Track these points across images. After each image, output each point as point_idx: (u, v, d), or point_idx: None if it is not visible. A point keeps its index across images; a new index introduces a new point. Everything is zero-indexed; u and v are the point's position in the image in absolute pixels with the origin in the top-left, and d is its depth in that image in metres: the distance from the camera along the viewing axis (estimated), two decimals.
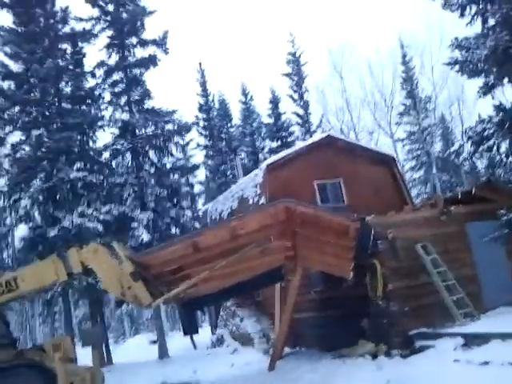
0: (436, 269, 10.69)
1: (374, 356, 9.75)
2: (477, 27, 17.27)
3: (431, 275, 10.64)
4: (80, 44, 21.90)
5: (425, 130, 35.94)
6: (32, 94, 20.33)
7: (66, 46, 21.82)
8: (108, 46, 22.25)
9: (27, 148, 20.07)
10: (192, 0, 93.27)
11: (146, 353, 22.11)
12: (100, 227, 18.09)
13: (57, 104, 20.78)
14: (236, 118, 37.93)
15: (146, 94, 22.06)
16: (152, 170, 21.71)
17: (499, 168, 18.76)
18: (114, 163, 21.79)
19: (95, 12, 21.92)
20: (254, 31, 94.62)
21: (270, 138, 35.06)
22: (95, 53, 22.35)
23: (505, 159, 16.85)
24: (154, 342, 24.31)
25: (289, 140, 33.76)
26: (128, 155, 21.81)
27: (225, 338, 17.63)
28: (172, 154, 22.53)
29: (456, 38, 17.30)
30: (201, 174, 34.40)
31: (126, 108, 21.91)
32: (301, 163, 17.89)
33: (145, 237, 19.02)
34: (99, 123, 21.57)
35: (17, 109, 20.43)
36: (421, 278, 10.73)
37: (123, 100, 22.09)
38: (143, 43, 22.28)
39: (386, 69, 36.16)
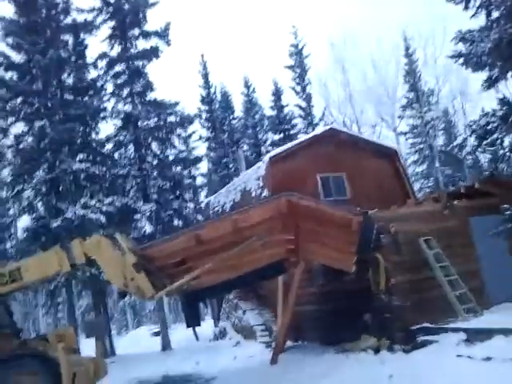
0: (439, 263, 10.69)
1: (377, 350, 9.74)
2: (481, 20, 17.17)
3: (434, 270, 10.64)
4: (82, 35, 21.83)
5: (428, 124, 35.76)
6: (34, 85, 20.29)
7: (68, 37, 21.74)
8: (110, 38, 22.22)
9: (30, 139, 20.07)
10: None
11: (149, 344, 22.24)
12: (103, 219, 18.13)
13: (59, 95, 20.75)
14: (238, 110, 37.82)
15: (149, 86, 22.05)
16: (155, 162, 21.75)
17: (502, 162, 18.71)
18: (116, 155, 21.83)
19: (97, 3, 21.94)
20: (256, 23, 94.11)
21: (273, 130, 34.96)
22: (97, 44, 22.33)
23: (508, 153, 16.82)
24: (157, 333, 24.43)
25: (291, 133, 33.65)
26: (131, 147, 21.85)
27: (227, 331, 17.70)
28: (174, 146, 22.58)
29: (460, 31, 17.20)
30: (203, 167, 34.36)
31: (129, 100, 21.91)
32: (304, 156, 17.87)
33: (147, 228, 19.10)
34: (102, 115, 21.56)
35: (19, 100, 20.41)
36: (423, 273, 10.72)
37: (125, 92, 22.09)
38: (145, 35, 22.24)
39: (389, 61, 35.96)
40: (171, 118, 22.04)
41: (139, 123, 21.65)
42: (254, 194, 17.56)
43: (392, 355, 9.36)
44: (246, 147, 34.82)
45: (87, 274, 17.41)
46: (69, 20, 21.65)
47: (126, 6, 22.18)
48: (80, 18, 21.73)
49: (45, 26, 20.88)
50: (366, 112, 36.26)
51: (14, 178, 19.49)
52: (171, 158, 22.37)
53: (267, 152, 28.64)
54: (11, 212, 19.48)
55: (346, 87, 36.03)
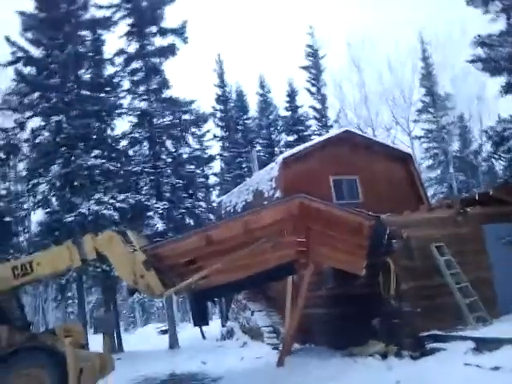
0: (450, 270, 10.57)
1: (384, 356, 9.71)
2: (500, 24, 16.99)
3: (445, 276, 10.53)
4: (100, 31, 21.98)
5: (443, 129, 35.47)
6: (52, 80, 20.47)
7: (86, 33, 21.91)
8: (128, 34, 22.36)
9: (46, 134, 20.26)
10: None
11: (157, 342, 22.36)
12: (116, 215, 18.22)
13: (76, 90, 20.91)
14: (253, 110, 37.85)
15: (165, 83, 22.15)
16: (169, 160, 21.84)
17: None
18: (131, 152, 21.95)
19: (116, 0, 22.00)
20: (273, 23, 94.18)
21: (287, 131, 34.93)
22: (115, 40, 22.48)
23: None
24: (165, 331, 24.54)
25: (305, 134, 33.59)
26: (145, 144, 21.95)
27: (235, 331, 17.71)
28: (189, 145, 22.65)
29: (479, 35, 17.05)
30: (216, 166, 34.46)
31: (145, 97, 22.04)
32: (317, 158, 17.82)
33: (159, 226, 19.16)
34: (117, 111, 21.70)
35: (37, 94, 20.61)
36: (434, 279, 10.61)
37: (142, 88, 22.22)
38: (163, 32, 22.34)
39: (406, 64, 35.68)
40: (186, 116, 22.13)
41: (154, 120, 21.78)
42: (266, 195, 17.55)
43: (400, 361, 9.32)
44: (259, 147, 34.82)
45: (98, 270, 17.54)
46: (88, 16, 21.87)
47: (145, 3, 22.33)
48: (99, 14, 21.95)
49: (64, 22, 21.07)
50: (382, 115, 36.07)
51: (29, 172, 19.69)
52: (185, 156, 22.43)
53: (280, 153, 28.64)
54: (26, 206, 19.64)
55: (362, 89, 35.87)
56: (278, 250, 10.70)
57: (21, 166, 20.39)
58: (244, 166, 34.29)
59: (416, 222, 11.27)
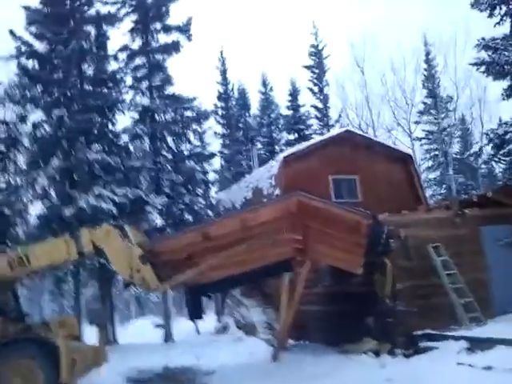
0: (446, 271, 10.64)
1: (378, 354, 9.75)
2: (505, 28, 17.01)
3: (441, 277, 10.59)
4: (104, 27, 21.95)
5: (444, 130, 35.51)
6: (55, 75, 20.48)
7: (91, 29, 21.89)
8: (132, 31, 22.33)
9: (47, 127, 20.28)
10: None
11: (151, 336, 22.33)
12: (115, 209, 18.23)
13: (79, 85, 20.91)
14: (254, 107, 37.87)
15: (168, 80, 22.13)
16: (169, 156, 21.85)
17: None
18: (131, 147, 21.96)
19: None
20: (276, 21, 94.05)
21: (288, 130, 34.95)
22: (119, 37, 22.48)
23: None
24: (160, 325, 24.56)
25: (306, 133, 33.60)
26: (146, 140, 21.96)
27: (229, 326, 17.74)
28: (190, 141, 22.64)
29: (483, 38, 17.06)
30: (216, 163, 34.48)
31: (147, 93, 22.03)
32: (317, 157, 17.89)
33: (158, 221, 19.18)
34: (119, 106, 21.69)
35: (39, 88, 20.62)
36: (431, 279, 10.67)
37: (144, 85, 22.19)
38: (167, 29, 22.31)
39: (408, 66, 35.71)
40: (188, 113, 22.12)
41: (156, 117, 21.79)
42: (265, 193, 17.62)
43: (392, 359, 9.37)
44: (259, 145, 34.84)
45: (95, 263, 17.56)
46: (92, 11, 21.75)
47: (150, 0, 22.33)
48: (103, 9, 21.85)
49: (68, 17, 21.03)
50: (383, 115, 36.11)
51: (29, 165, 19.70)
52: (186, 152, 22.45)
53: (281, 151, 28.69)
54: (24, 199, 19.64)
55: (364, 89, 35.89)
56: (275, 247, 10.75)
57: (21, 159, 20.37)
58: (244, 163, 34.32)
59: (414, 222, 11.33)
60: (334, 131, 22.47)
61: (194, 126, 22.61)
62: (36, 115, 20.35)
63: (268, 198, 16.70)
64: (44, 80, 20.34)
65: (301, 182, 15.67)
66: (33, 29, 20.74)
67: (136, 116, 21.92)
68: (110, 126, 21.57)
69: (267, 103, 36.81)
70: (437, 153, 37.77)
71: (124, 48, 22.10)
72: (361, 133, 22.86)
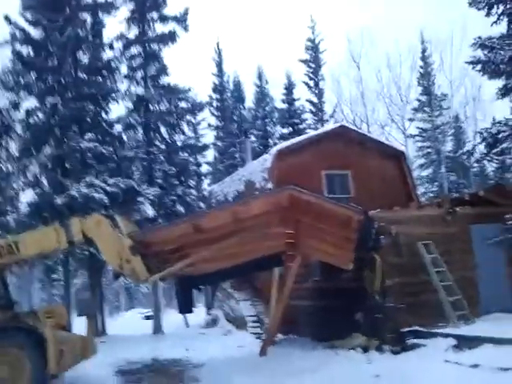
0: (436, 268, 10.68)
1: (366, 350, 9.80)
2: (502, 27, 17.02)
3: (430, 274, 10.63)
4: (100, 15, 21.75)
5: (437, 128, 35.62)
6: (50, 62, 20.29)
7: (87, 16, 21.67)
8: (128, 19, 22.15)
9: (41, 115, 20.12)
10: None
11: (141, 327, 22.36)
12: (106, 199, 18.14)
13: (73, 73, 20.75)
14: (249, 100, 37.79)
15: (163, 70, 22.02)
16: (162, 147, 21.77)
17: (509, 172, 18.59)
18: (125, 136, 21.84)
19: None
20: (273, 15, 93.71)
21: (282, 123, 34.93)
22: (115, 25, 22.27)
23: None
24: (149, 317, 24.57)
25: (300, 127, 33.61)
26: (140, 130, 21.86)
27: (219, 319, 17.78)
28: (183, 132, 22.56)
29: (480, 37, 17.07)
30: (209, 155, 34.43)
31: (142, 82, 21.89)
32: (311, 152, 17.87)
33: (150, 212, 19.10)
34: (114, 95, 21.54)
35: (33, 75, 20.42)
36: (420, 276, 10.72)
37: (139, 74, 22.07)
38: (164, 19, 22.15)
39: (404, 62, 35.71)
40: (182, 104, 22.05)
41: (150, 107, 21.67)
42: (258, 186, 17.59)
43: (380, 355, 9.41)
44: (253, 138, 34.79)
45: (86, 253, 17.49)
46: None
47: None
48: None
49: (64, 4, 20.80)
50: (377, 111, 36.11)
51: (21, 152, 19.54)
52: (179, 143, 22.38)
53: (274, 144, 28.64)
54: (15, 186, 19.50)
55: (359, 85, 35.83)
56: (266, 240, 10.74)
57: (13, 145, 20.21)
58: (237, 156, 34.27)
59: (405, 219, 11.36)
60: (328, 126, 22.50)
61: (189, 117, 22.59)
62: (29, 102, 20.22)
63: (260, 191, 16.67)
64: (38, 67, 20.16)
65: (294, 177, 15.63)
66: (28, 15, 20.53)
67: (130, 105, 21.82)
68: (104, 115, 21.47)
69: (262, 96, 36.74)
70: (430, 150, 37.94)
71: (120, 37, 21.93)
72: (355, 128, 22.83)
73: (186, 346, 13.98)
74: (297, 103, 34.75)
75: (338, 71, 37.68)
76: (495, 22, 17.07)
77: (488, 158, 17.81)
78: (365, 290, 10.45)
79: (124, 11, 22.02)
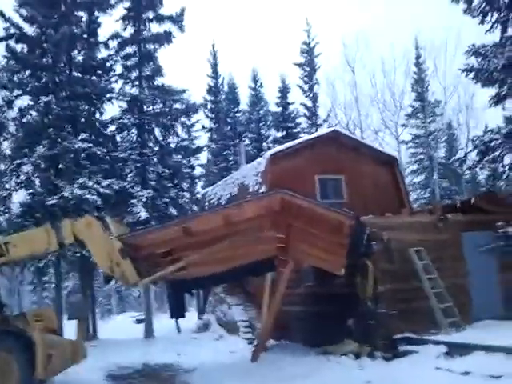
0: (427, 275, 10.71)
1: (358, 356, 9.81)
2: (495, 35, 17.11)
3: (422, 281, 10.66)
4: (96, 13, 21.65)
5: (430, 135, 35.80)
6: (44, 59, 20.17)
7: (82, 14, 21.56)
8: (124, 18, 22.05)
9: (34, 113, 19.98)
10: None
11: (132, 331, 22.25)
12: (99, 200, 18.04)
13: (68, 72, 20.65)
14: (244, 103, 37.74)
15: (158, 71, 21.94)
16: (156, 148, 21.69)
17: (500, 180, 18.65)
18: (118, 137, 21.75)
19: None
20: (269, 18, 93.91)
21: (276, 127, 34.94)
22: (110, 24, 22.18)
23: (508, 172, 16.83)
24: (141, 321, 24.42)
25: (294, 131, 33.63)
26: (134, 130, 21.77)
27: (211, 324, 17.69)
28: (177, 134, 22.49)
29: (473, 45, 17.15)
30: (203, 157, 34.34)
31: (136, 83, 21.81)
32: (304, 156, 17.88)
33: (142, 214, 19.02)
34: (108, 95, 21.45)
35: (27, 73, 20.29)
36: (412, 283, 10.74)
37: (134, 74, 21.99)
38: (160, 18, 22.07)
39: (399, 68, 35.88)
40: (177, 106, 21.95)
41: (144, 107, 21.58)
42: (251, 190, 17.56)
43: (372, 362, 9.44)
44: (247, 141, 34.75)
45: (77, 255, 17.38)
46: None
47: None
48: None
49: (60, 1, 20.71)
50: (371, 117, 36.26)
51: (14, 152, 19.38)
52: (173, 145, 22.30)
53: (268, 148, 28.64)
54: (8, 186, 19.30)
55: (353, 89, 35.94)
56: (258, 244, 10.70)
57: (5, 144, 20.04)
58: (231, 159, 34.21)
59: (397, 225, 11.39)
60: (322, 131, 22.47)
61: (183, 119, 22.51)
62: (23, 101, 20.08)
63: (253, 195, 16.64)
64: (32, 64, 20.02)
65: (287, 181, 15.62)
66: (23, 11, 20.38)
67: (124, 105, 21.72)
68: (98, 115, 21.38)
69: (257, 99, 36.69)
70: (422, 157, 38.11)
71: (115, 35, 21.83)
72: (348, 134, 22.88)
73: (178, 351, 13.91)
74: (291, 107, 34.79)
75: (333, 75, 37.80)
76: (489, 30, 17.15)
77: (480, 166, 17.85)
78: (357, 296, 10.46)
79: (120, 10, 21.96)
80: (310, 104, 34.87)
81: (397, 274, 10.71)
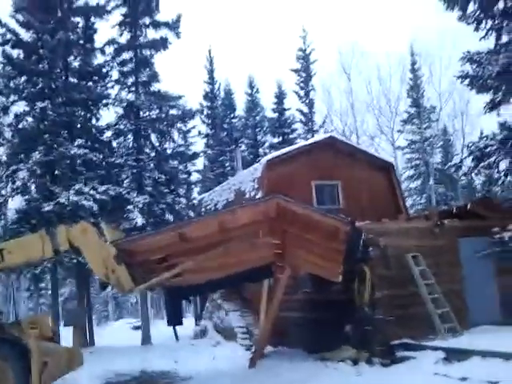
0: (424, 280, 10.75)
1: (355, 362, 9.79)
2: (490, 42, 17.22)
3: (419, 287, 10.68)
4: (92, 19, 21.66)
5: (426, 141, 35.97)
6: (40, 65, 20.15)
7: (79, 20, 21.57)
8: (120, 24, 22.05)
9: (30, 119, 19.94)
10: None
11: (129, 338, 22.14)
12: (95, 206, 17.98)
13: (64, 77, 20.62)
14: (240, 108, 37.80)
15: (154, 77, 21.94)
16: (152, 154, 21.65)
17: (496, 186, 18.71)
18: (115, 143, 21.72)
19: None
20: (266, 24, 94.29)
21: (272, 133, 35.01)
22: (107, 29, 22.19)
23: (503, 177, 16.89)
24: (138, 327, 24.30)
25: (290, 137, 33.70)
26: (130, 136, 21.76)
27: (208, 330, 17.62)
28: (173, 140, 22.47)
29: (468, 52, 17.25)
30: (199, 163, 34.32)
31: (133, 88, 21.80)
32: (301, 162, 17.92)
33: (139, 220, 18.95)
34: (104, 101, 21.43)
35: (23, 78, 20.26)
36: (408, 289, 10.78)
37: (130, 80, 21.98)
38: (156, 25, 22.11)
39: (394, 75, 36.13)
40: (173, 111, 21.93)
41: (141, 113, 21.57)
42: (248, 196, 17.56)
43: (370, 368, 9.41)
44: (243, 147, 34.77)
45: (74, 261, 17.29)
46: (81, 2, 21.47)
47: None
48: (92, 1, 21.58)
49: (56, 6, 20.71)
50: (367, 123, 36.44)
51: (10, 157, 19.31)
52: (169, 151, 22.28)
53: (265, 154, 28.66)
54: (3, 192, 19.22)
55: (349, 96, 36.14)
56: (254, 250, 10.65)
57: (1, 150, 19.97)
58: (227, 164, 34.23)
59: (394, 231, 11.43)
60: (318, 137, 22.52)
61: (179, 125, 22.48)
62: (19, 106, 20.03)
63: (250, 201, 16.63)
64: (28, 70, 19.99)
65: (284, 187, 15.63)
66: (19, 16, 20.38)
67: (120, 111, 21.68)
68: (94, 121, 21.36)
69: (253, 105, 36.76)
70: (418, 162, 38.24)
71: (111, 41, 21.83)
72: (344, 139, 22.96)
73: (175, 358, 13.82)
74: (287, 113, 34.88)
75: (329, 82, 37.99)
76: (483, 37, 17.25)
77: (476, 172, 17.91)
78: (354, 302, 10.45)
79: (116, 16, 21.97)
80: (306, 110, 34.98)
81: (394, 280, 10.74)
